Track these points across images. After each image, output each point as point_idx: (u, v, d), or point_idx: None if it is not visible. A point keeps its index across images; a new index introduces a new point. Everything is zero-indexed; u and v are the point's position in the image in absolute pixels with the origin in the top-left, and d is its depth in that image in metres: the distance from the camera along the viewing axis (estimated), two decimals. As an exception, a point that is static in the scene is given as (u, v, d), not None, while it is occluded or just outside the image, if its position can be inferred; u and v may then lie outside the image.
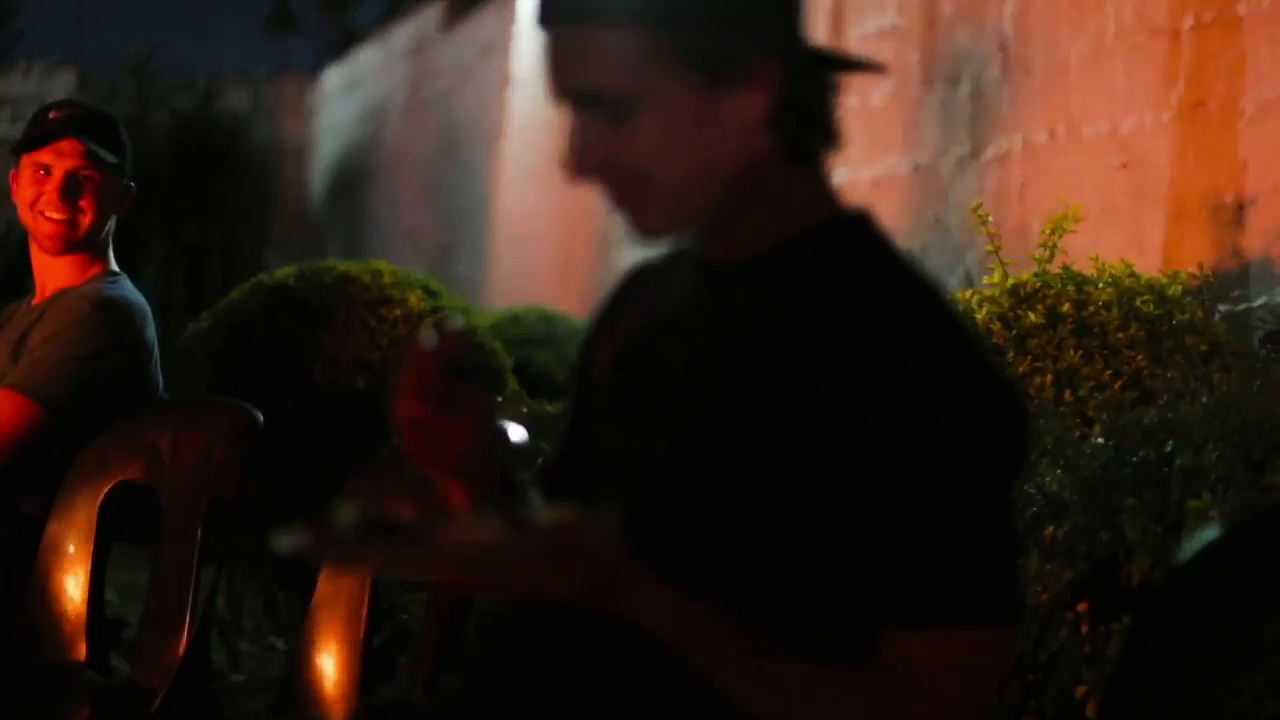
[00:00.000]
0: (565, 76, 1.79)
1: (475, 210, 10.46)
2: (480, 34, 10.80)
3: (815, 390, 1.74)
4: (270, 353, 4.96)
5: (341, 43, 17.19)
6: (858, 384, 1.73)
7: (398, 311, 5.17)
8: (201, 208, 12.47)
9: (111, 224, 3.70)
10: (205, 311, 5.41)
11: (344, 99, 14.10)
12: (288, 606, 5.11)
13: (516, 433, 2.70)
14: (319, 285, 5.15)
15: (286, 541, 1.67)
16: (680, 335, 1.87)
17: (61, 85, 13.53)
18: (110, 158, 3.64)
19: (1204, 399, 3.35)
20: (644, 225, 1.83)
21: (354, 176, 13.34)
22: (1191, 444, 3.12)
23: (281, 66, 17.80)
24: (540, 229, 9.23)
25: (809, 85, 1.83)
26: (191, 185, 12.43)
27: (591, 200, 8.37)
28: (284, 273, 5.30)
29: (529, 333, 6.90)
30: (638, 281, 2.02)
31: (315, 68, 16.14)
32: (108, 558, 3.43)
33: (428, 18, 12.04)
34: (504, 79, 10.01)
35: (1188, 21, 4.78)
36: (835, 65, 1.86)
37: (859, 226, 1.87)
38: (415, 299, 5.23)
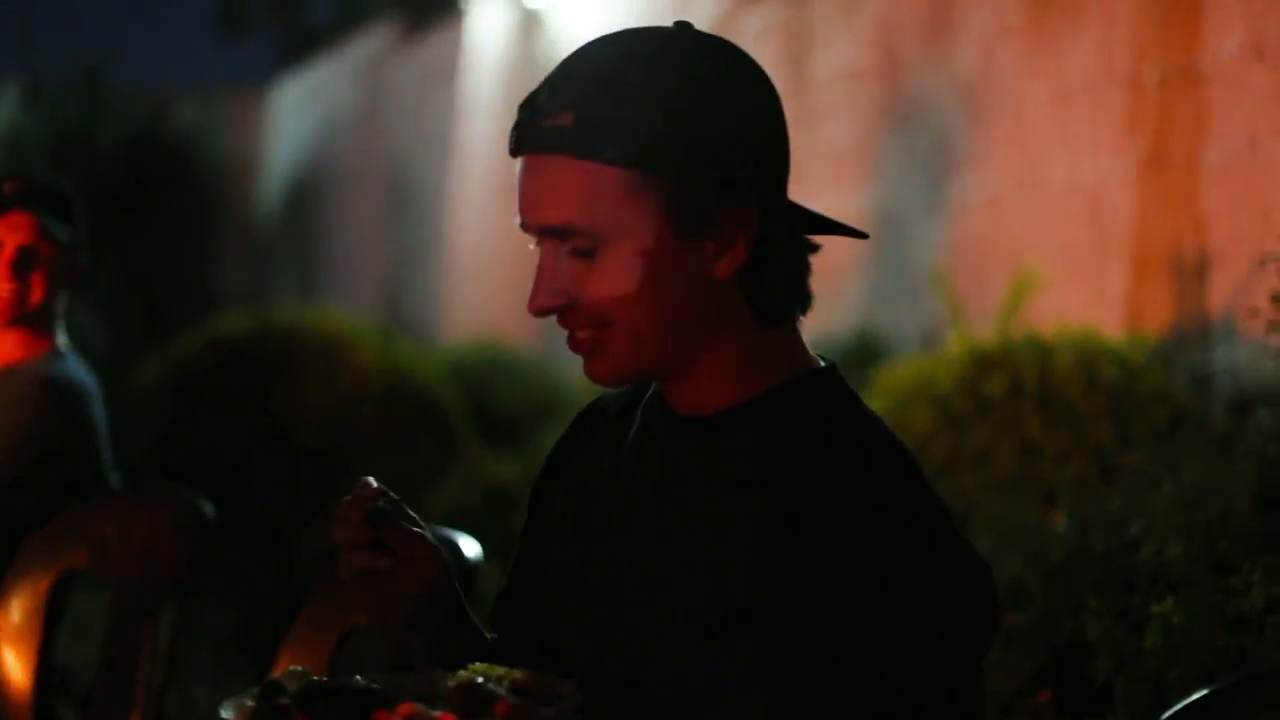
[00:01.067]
0: (537, 207, 1.76)
1: (428, 239, 10.39)
2: (430, 59, 10.73)
3: (777, 556, 1.71)
4: (223, 412, 4.90)
5: (294, 46, 17.06)
6: (819, 553, 1.70)
7: (352, 364, 5.12)
8: (152, 224, 12.36)
9: (63, 300, 3.63)
10: (153, 359, 5.34)
11: (298, 114, 14.01)
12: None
13: (470, 548, 2.66)
14: (270, 342, 5.08)
15: (228, 713, 1.64)
16: (644, 487, 1.84)
17: (9, 98, 13.39)
18: (64, 233, 3.57)
19: (1167, 485, 3.32)
20: (601, 370, 1.80)
21: (307, 195, 13.25)
22: (1155, 538, 3.09)
23: (233, 72, 17.66)
24: (495, 259, 9.16)
25: (784, 245, 1.79)
26: (142, 201, 12.32)
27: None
28: (234, 326, 5.23)
29: (487, 374, 6.84)
30: (592, 421, 1.98)
31: (268, 72, 16.03)
32: (56, 642, 3.36)
33: (381, 36, 11.96)
34: (453, 107, 9.93)
35: (1151, 72, 4.75)
36: (812, 224, 1.82)
37: (825, 386, 1.83)
38: (369, 352, 5.17)
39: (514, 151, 1.77)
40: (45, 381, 3.51)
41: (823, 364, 1.86)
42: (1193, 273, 4.60)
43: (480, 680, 1.68)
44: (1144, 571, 3.06)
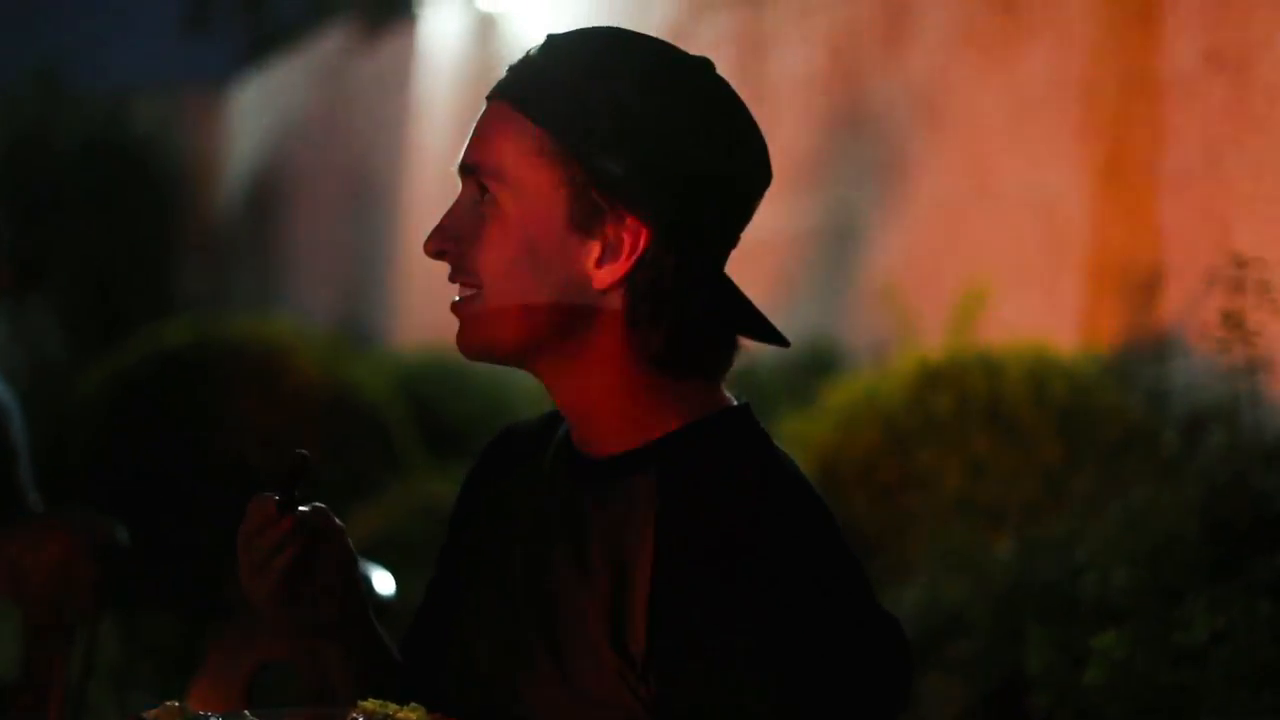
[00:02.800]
0: (468, 147, 1.75)
1: (384, 243, 10.34)
2: (386, 62, 10.67)
3: (670, 609, 1.64)
4: (161, 425, 4.81)
5: (258, 44, 16.96)
6: (714, 607, 1.62)
7: (293, 376, 5.03)
8: (109, 225, 12.24)
9: None
10: (95, 368, 5.25)
11: (257, 115, 13.94)
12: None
13: (383, 582, 2.57)
14: (210, 353, 4.99)
15: None
16: (539, 527, 1.78)
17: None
18: None
19: (1114, 508, 3.24)
20: (464, 338, 1.77)
21: (266, 197, 13.18)
22: (1100, 565, 3.01)
23: (193, 71, 17.56)
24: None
25: (679, 290, 1.70)
26: (100, 202, 12.21)
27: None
28: (176, 337, 5.14)
29: (438, 384, 6.75)
30: (505, 447, 1.92)
31: (229, 70, 15.94)
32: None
33: (339, 37, 11.89)
34: (409, 110, 9.86)
35: (1107, 81, 4.70)
36: (738, 313, 1.74)
37: (732, 429, 1.75)
38: (312, 364, 5.08)
39: (487, 96, 1.77)
40: (-40, 401, 3.42)
41: (735, 404, 1.76)
42: (1148, 285, 4.56)
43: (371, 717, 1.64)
44: (1088, 600, 2.98)
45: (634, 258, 1.69)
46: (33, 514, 3.52)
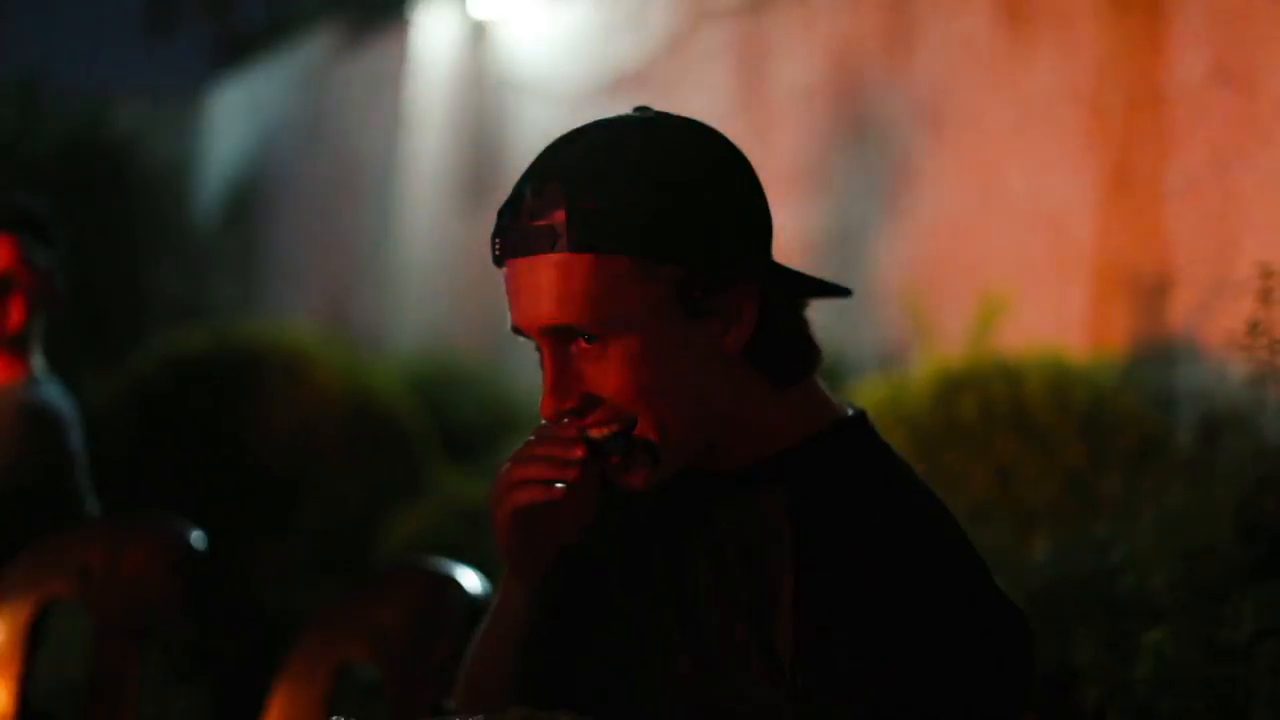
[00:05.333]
0: (536, 310, 1.72)
1: (374, 248, 10.34)
2: (373, 68, 10.66)
3: (812, 613, 1.71)
4: (182, 433, 4.85)
5: (227, 48, 16.90)
6: (855, 610, 1.70)
7: (314, 382, 5.09)
8: (89, 229, 12.21)
9: (41, 324, 3.58)
10: (110, 377, 5.29)
11: (236, 119, 13.90)
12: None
13: (476, 583, 2.65)
14: (232, 360, 5.04)
15: None
16: (669, 542, 1.84)
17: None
18: (42, 257, 3.53)
19: (1147, 511, 3.34)
20: (638, 479, 1.77)
21: (246, 201, 13.14)
22: (1137, 566, 3.11)
23: (168, 75, 17.49)
24: (445, 270, 9.13)
25: (784, 308, 1.80)
26: (80, 206, 12.18)
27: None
28: (195, 343, 5.18)
29: (441, 386, 6.80)
30: None
31: (202, 75, 15.89)
32: (37, 671, 3.33)
33: (322, 42, 11.88)
34: (399, 116, 9.87)
35: (1113, 93, 4.78)
36: (807, 287, 1.82)
37: (852, 437, 1.83)
38: (332, 369, 5.14)
39: (500, 258, 1.74)
40: (23, 408, 3.47)
41: (850, 412, 1.86)
42: (1154, 294, 4.63)
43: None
44: (1127, 600, 3.08)
45: (755, 312, 1.75)
46: (106, 519, 3.57)
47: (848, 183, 5.85)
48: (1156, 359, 4.55)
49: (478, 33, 8.55)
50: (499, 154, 8.19)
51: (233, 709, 4.41)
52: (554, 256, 1.69)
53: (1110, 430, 3.94)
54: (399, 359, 7.75)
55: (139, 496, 4.65)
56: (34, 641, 3.31)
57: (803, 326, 1.82)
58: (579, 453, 1.73)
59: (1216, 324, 4.35)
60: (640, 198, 1.69)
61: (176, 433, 4.91)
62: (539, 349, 1.75)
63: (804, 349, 1.82)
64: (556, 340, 1.73)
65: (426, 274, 9.33)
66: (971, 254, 5.28)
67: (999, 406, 3.99)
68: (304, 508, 4.90)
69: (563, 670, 1.90)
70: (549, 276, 1.70)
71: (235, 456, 4.93)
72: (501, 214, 1.74)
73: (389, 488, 5.12)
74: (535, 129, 7.81)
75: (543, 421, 1.77)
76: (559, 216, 1.69)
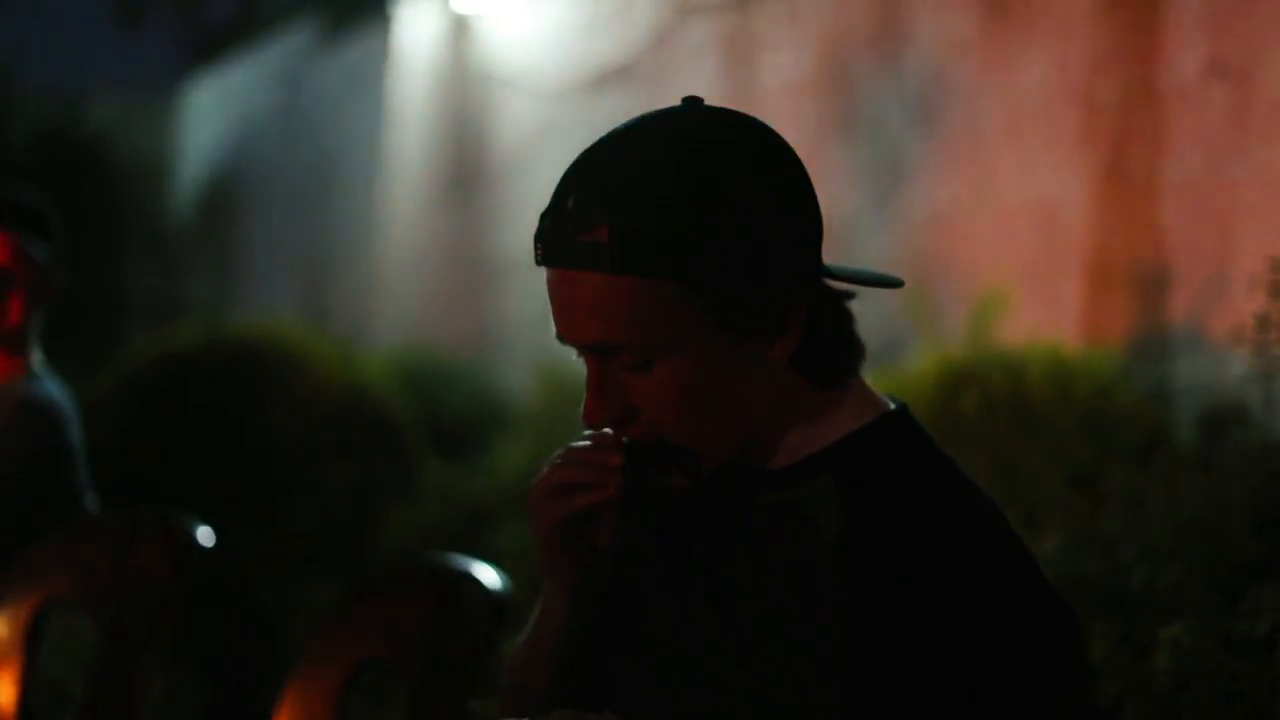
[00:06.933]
0: (580, 326, 1.70)
1: (354, 243, 10.31)
2: (353, 63, 10.63)
3: (865, 609, 1.70)
4: (176, 428, 4.82)
5: (200, 43, 16.86)
6: (909, 607, 1.69)
7: (308, 378, 5.06)
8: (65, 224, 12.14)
9: (39, 319, 3.56)
10: (94, 374, 5.26)
11: (211, 114, 13.86)
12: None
13: (496, 581, 2.63)
14: (225, 355, 5.01)
15: None
16: (714, 542, 1.82)
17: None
18: (42, 252, 3.52)
19: (1156, 506, 3.33)
20: (681, 484, 1.76)
21: (223, 196, 13.10)
22: (1149, 561, 3.10)
23: (141, 70, 17.43)
24: (428, 265, 9.11)
25: (833, 313, 1.78)
26: (56, 200, 12.12)
27: (477, 232, 8.32)
28: (188, 338, 5.16)
29: (428, 381, 6.78)
30: None
31: (175, 70, 15.84)
32: (37, 667, 3.30)
33: (300, 37, 11.84)
34: (381, 111, 9.84)
35: (1108, 88, 4.77)
36: (845, 277, 1.80)
37: (896, 431, 1.82)
38: (327, 365, 5.12)
39: (543, 263, 1.71)
40: (22, 404, 3.45)
41: (892, 406, 1.84)
42: (1149, 289, 4.63)
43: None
44: (1141, 595, 3.07)
45: (802, 324, 1.72)
46: (107, 516, 3.54)
47: (838, 179, 5.84)
48: (1153, 354, 4.56)
49: (460, 27, 8.53)
50: (481, 149, 8.17)
51: (232, 707, 4.39)
52: (596, 276, 1.66)
53: (1113, 425, 3.93)
54: (382, 354, 7.72)
55: (129, 492, 4.63)
56: (35, 640, 3.28)
57: (848, 326, 1.79)
58: (617, 459, 1.73)
59: (1213, 319, 4.35)
60: (686, 219, 1.65)
61: (167, 428, 4.88)
62: (580, 355, 1.74)
63: (848, 350, 1.80)
64: (599, 354, 1.71)
65: (408, 269, 9.30)
66: (965, 250, 5.28)
67: (1000, 401, 3.98)
68: (297, 503, 4.87)
69: (605, 672, 1.88)
70: (592, 295, 1.67)
71: (227, 451, 4.90)
72: (543, 218, 1.71)
73: (382, 483, 5.11)
74: (518, 124, 7.80)
75: (585, 430, 1.76)
76: (602, 234, 1.65)
